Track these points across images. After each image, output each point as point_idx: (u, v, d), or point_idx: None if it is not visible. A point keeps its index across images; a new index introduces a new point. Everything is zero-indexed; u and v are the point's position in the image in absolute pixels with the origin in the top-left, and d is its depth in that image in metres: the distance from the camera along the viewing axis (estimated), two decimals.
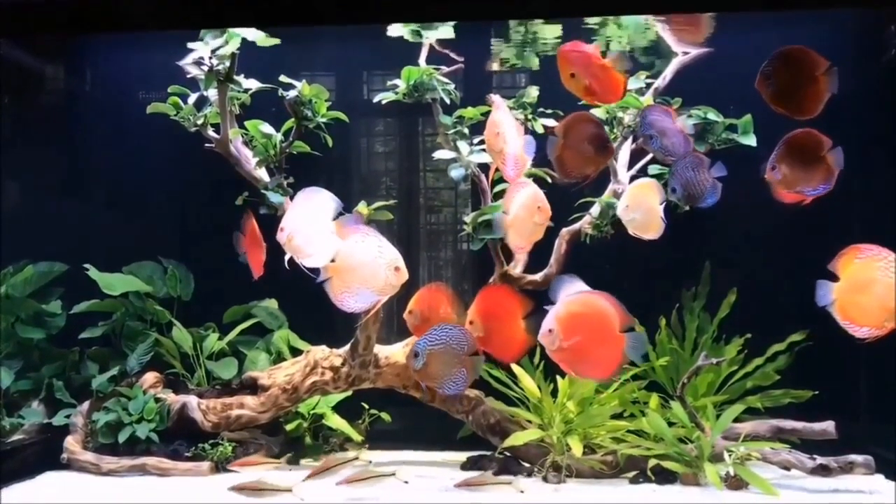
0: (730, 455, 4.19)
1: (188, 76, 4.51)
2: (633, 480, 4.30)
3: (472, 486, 4.04)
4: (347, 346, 4.64)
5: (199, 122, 4.54)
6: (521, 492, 4.05)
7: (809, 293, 4.98)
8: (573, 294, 3.68)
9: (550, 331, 3.63)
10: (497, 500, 4.00)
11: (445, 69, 4.66)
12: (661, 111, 4.09)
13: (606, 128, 4.61)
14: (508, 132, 4.06)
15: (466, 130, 4.63)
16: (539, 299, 4.16)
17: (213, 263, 5.23)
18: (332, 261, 3.73)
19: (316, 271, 3.82)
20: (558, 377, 4.58)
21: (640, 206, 4.14)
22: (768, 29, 4.65)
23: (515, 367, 4.65)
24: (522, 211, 4.02)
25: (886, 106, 4.68)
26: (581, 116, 4.12)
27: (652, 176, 4.39)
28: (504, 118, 4.13)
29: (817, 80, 3.69)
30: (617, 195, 4.62)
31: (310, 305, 5.11)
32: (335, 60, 5.48)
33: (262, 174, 4.54)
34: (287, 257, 3.91)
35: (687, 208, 4.18)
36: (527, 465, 4.49)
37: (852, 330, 3.50)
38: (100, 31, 4.84)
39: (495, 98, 4.77)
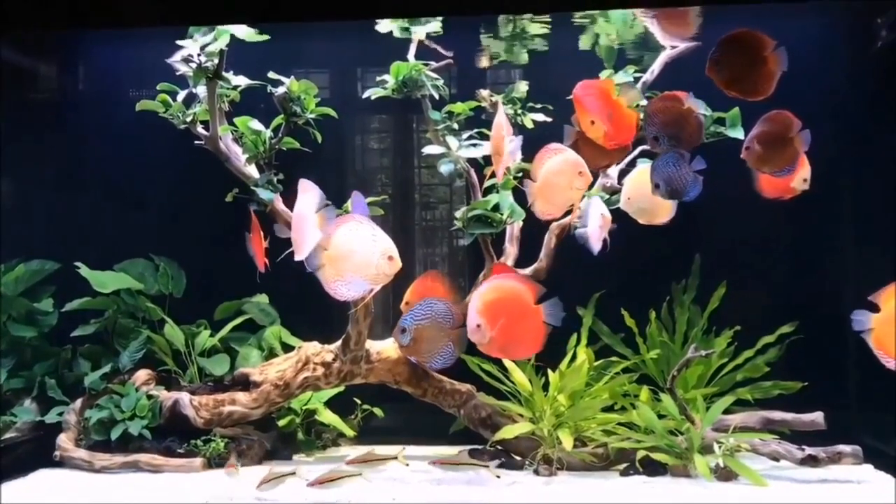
0: (720, 446, 4.21)
1: (178, 73, 4.52)
2: (624, 473, 4.32)
3: (447, 465, 4.08)
4: (339, 342, 4.66)
5: (189, 119, 4.54)
6: (499, 476, 4.12)
7: (798, 286, 5.09)
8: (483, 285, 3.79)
9: (478, 326, 3.69)
10: (482, 487, 4.03)
11: (435, 64, 4.67)
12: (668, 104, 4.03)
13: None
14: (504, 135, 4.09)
15: (456, 126, 4.65)
16: None
17: (204, 260, 5.27)
18: (325, 249, 3.74)
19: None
20: (550, 371, 4.61)
21: (642, 194, 4.15)
22: (756, 21, 4.66)
23: (507, 361, 4.67)
24: (556, 176, 3.99)
25: (875, 97, 4.72)
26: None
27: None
28: (500, 120, 4.14)
29: (766, 60, 3.75)
30: (606, 189, 4.65)
31: (301, 301, 5.17)
32: (330, 57, 5.50)
33: (252, 171, 4.55)
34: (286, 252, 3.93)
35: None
36: (518, 458, 4.51)
37: (884, 360, 3.57)
38: (93, 28, 4.86)
39: (484, 94, 4.82)
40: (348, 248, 3.72)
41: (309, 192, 3.85)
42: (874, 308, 3.64)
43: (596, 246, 4.10)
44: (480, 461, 4.34)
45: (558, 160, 4.00)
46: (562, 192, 4.01)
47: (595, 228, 4.08)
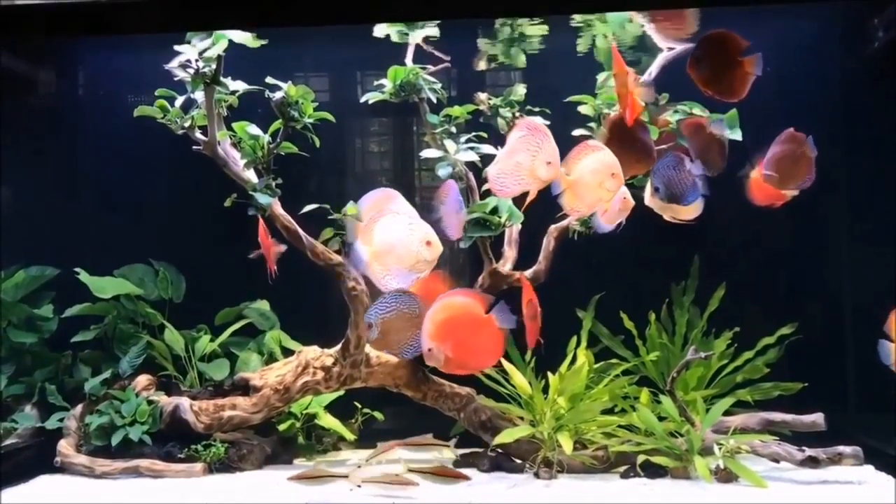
0: (720, 448, 4.21)
1: (176, 78, 4.52)
2: (624, 475, 4.32)
3: (411, 446, 4.17)
4: (339, 346, 4.66)
5: (187, 124, 4.55)
6: (459, 456, 4.30)
7: (798, 287, 5.09)
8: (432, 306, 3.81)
9: (430, 350, 3.71)
10: (483, 488, 4.02)
11: (432, 68, 4.68)
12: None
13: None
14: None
15: (454, 129, 4.65)
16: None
17: (204, 265, 5.28)
18: (368, 246, 3.77)
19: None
20: (549, 374, 4.61)
21: None
22: (752, 23, 4.67)
23: (507, 364, 4.66)
24: (590, 175, 3.94)
25: (869, 97, 4.72)
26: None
27: None
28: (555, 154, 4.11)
29: (741, 63, 3.83)
30: None
31: (301, 306, 5.18)
32: (327, 61, 5.50)
33: (251, 175, 4.55)
34: None
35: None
36: (518, 461, 4.51)
37: None
38: (90, 35, 4.87)
39: (482, 97, 4.83)
40: (389, 241, 3.76)
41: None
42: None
43: (606, 227, 4.08)
44: (484, 468, 4.37)
45: (595, 158, 3.95)
46: (593, 191, 3.96)
47: (613, 211, 4.07)
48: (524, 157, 3.94)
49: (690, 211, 4.20)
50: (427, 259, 3.74)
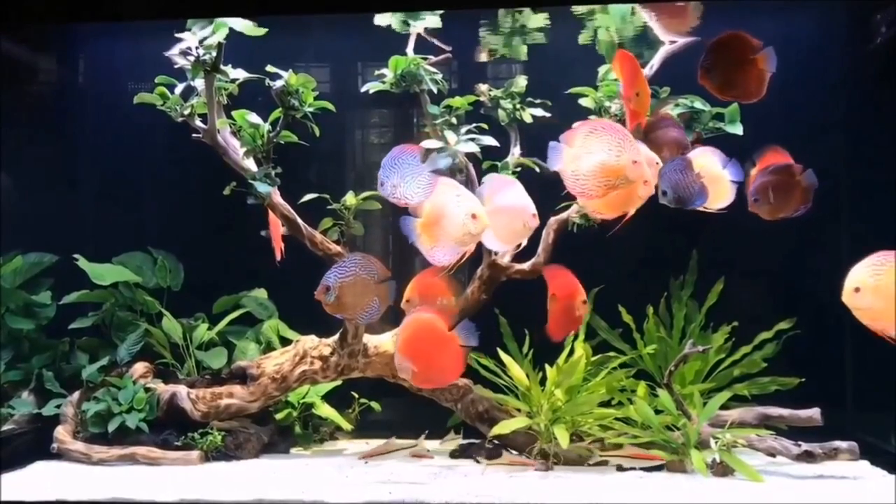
0: (716, 442, 4.21)
1: (176, 66, 4.51)
2: (620, 467, 4.33)
3: (376, 457, 4.20)
4: (336, 336, 4.66)
5: (186, 112, 4.54)
6: (428, 450, 4.34)
7: (796, 282, 5.09)
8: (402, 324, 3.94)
9: (401, 363, 3.85)
10: (479, 481, 4.03)
11: (433, 59, 4.67)
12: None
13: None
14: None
15: (454, 120, 4.64)
16: (527, 289, 4.21)
17: (202, 254, 5.28)
18: (419, 217, 3.78)
19: None
20: (547, 366, 4.61)
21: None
22: (756, 17, 4.67)
23: (504, 356, 4.67)
24: None
25: (872, 93, 4.71)
26: (664, 118, 4.11)
27: None
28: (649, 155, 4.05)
29: (754, 62, 3.78)
30: None
31: (299, 295, 5.16)
32: (328, 51, 5.49)
33: (250, 164, 4.54)
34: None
35: None
36: (515, 452, 4.52)
37: None
38: (91, 21, 4.85)
39: (483, 88, 4.82)
40: (437, 213, 3.74)
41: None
42: None
43: None
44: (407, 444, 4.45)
45: None
46: (623, 198, 3.88)
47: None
48: (607, 157, 3.72)
49: (722, 198, 4.13)
50: (472, 232, 3.70)
